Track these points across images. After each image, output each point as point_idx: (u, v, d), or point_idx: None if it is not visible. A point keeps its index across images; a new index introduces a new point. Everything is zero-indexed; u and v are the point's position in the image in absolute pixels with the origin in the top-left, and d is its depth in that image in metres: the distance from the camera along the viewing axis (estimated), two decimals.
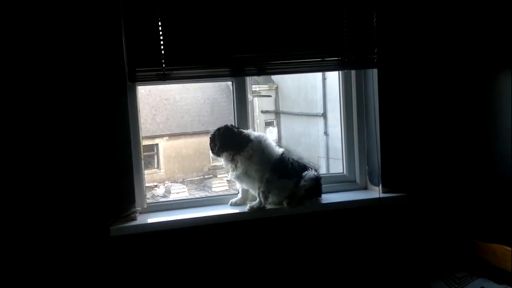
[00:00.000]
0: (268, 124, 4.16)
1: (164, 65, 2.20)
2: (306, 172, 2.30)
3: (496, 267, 2.23)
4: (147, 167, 3.36)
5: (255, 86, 3.70)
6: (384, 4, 2.37)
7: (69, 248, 2.11)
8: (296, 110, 4.18)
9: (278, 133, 4.13)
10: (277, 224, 2.32)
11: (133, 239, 2.14)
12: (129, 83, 2.18)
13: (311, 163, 2.93)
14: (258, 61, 2.31)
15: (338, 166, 2.74)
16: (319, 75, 3.64)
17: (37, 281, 2.09)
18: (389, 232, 2.47)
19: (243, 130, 2.28)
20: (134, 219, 2.18)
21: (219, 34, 2.24)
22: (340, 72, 2.57)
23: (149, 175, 3.61)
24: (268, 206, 2.28)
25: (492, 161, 2.45)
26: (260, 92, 3.98)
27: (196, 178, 3.83)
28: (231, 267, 2.30)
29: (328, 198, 2.39)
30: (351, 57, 2.39)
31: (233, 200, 2.37)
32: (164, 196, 3.45)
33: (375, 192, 2.44)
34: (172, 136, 3.84)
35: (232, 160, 2.25)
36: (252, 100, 2.54)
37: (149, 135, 3.66)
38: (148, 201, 2.34)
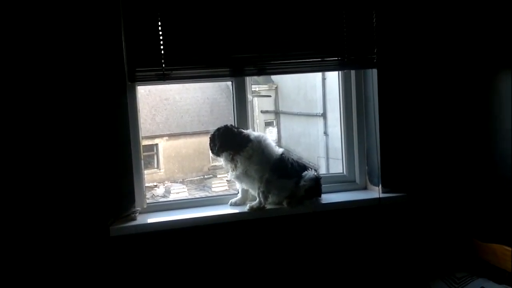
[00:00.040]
0: (267, 124, 4.16)
1: (163, 65, 2.19)
2: (306, 172, 2.30)
3: (496, 267, 2.23)
4: (147, 167, 3.36)
5: (255, 86, 3.71)
6: (384, 4, 2.37)
7: (69, 248, 2.11)
8: (295, 110, 4.18)
9: (278, 133, 4.13)
10: (277, 224, 2.32)
11: (133, 239, 2.14)
12: (129, 83, 2.18)
13: (311, 163, 2.93)
14: (258, 61, 2.31)
15: (337, 166, 2.74)
16: (318, 75, 3.65)
17: (37, 281, 2.09)
18: (389, 232, 2.47)
19: (243, 130, 2.28)
20: (134, 219, 2.18)
21: (219, 34, 2.24)
22: (340, 72, 2.56)
23: (149, 175, 3.61)
24: (268, 206, 2.28)
25: (492, 161, 2.45)
26: (260, 92, 3.99)
27: (196, 178, 3.83)
28: (231, 267, 2.30)
29: (328, 198, 2.39)
30: (350, 57, 2.39)
31: (233, 200, 2.36)
32: (164, 196, 3.46)
33: (375, 192, 2.44)
34: (172, 136, 3.85)
35: (232, 160, 2.25)
36: (252, 100, 2.54)
37: (149, 135, 3.67)
38: (148, 201, 2.34)
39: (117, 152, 2.15)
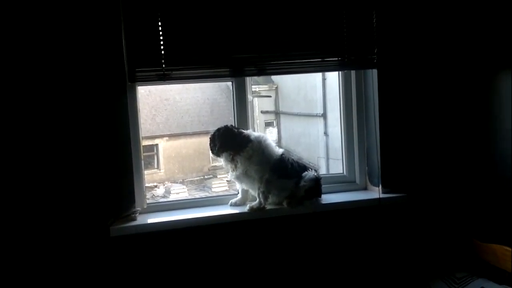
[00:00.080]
0: (268, 124, 4.16)
1: (164, 65, 2.20)
2: (306, 172, 2.30)
3: (496, 267, 2.23)
4: (147, 168, 3.36)
5: (255, 86, 3.70)
6: (384, 4, 2.37)
7: (69, 248, 2.11)
8: (296, 111, 4.18)
9: (278, 133, 4.13)
10: (277, 224, 2.32)
11: (133, 239, 2.14)
12: (129, 83, 2.19)
13: (311, 164, 2.94)
14: (258, 61, 2.31)
15: (338, 167, 2.74)
16: (319, 75, 3.64)
17: (37, 281, 2.09)
18: (389, 232, 2.47)
19: (243, 131, 2.28)
20: (134, 219, 2.18)
21: (219, 34, 2.24)
22: (340, 72, 2.57)
23: (149, 176, 3.61)
24: (268, 207, 2.28)
25: (492, 161, 2.45)
26: (260, 93, 3.98)
27: (196, 178, 3.83)
28: (231, 268, 2.30)
29: (328, 198, 2.39)
30: (351, 57, 2.39)
31: (233, 200, 2.37)
32: (164, 197, 3.45)
33: (375, 193, 2.44)
34: (172, 136, 3.85)
35: (232, 160, 2.25)
36: (252, 100, 2.54)
37: (149, 135, 3.66)
38: (148, 201, 2.34)
39: (117, 152, 2.15)
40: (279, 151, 2.30)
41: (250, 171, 2.23)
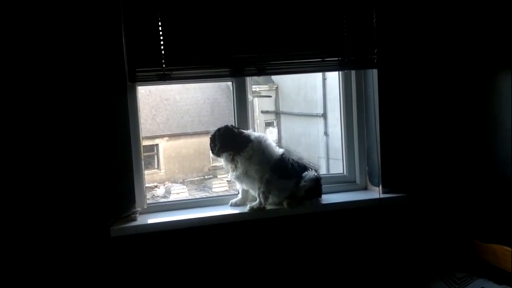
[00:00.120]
0: (268, 124, 4.16)
1: (164, 65, 2.20)
2: (306, 172, 2.30)
3: (496, 268, 2.23)
4: (147, 168, 3.36)
5: (255, 86, 3.70)
6: (384, 4, 2.37)
7: (69, 248, 2.11)
8: (296, 111, 4.18)
9: (278, 133, 4.13)
10: (277, 224, 2.32)
11: (133, 239, 2.14)
12: (129, 83, 2.19)
13: (311, 164, 2.94)
14: (258, 61, 2.31)
15: (338, 167, 2.74)
16: (319, 75, 3.64)
17: (38, 282, 2.09)
18: (389, 232, 2.47)
19: (243, 131, 2.28)
20: (134, 219, 2.18)
21: (219, 34, 2.24)
22: (340, 72, 2.57)
23: (149, 176, 3.61)
24: (268, 207, 2.28)
25: (492, 161, 2.45)
26: (260, 93, 3.98)
27: (196, 178, 3.83)
28: (231, 268, 2.30)
29: (328, 198, 2.39)
30: (351, 57, 2.39)
31: (233, 200, 2.37)
32: (164, 197, 3.46)
33: (375, 193, 2.44)
34: (172, 136, 3.85)
35: (232, 160, 2.25)
36: (252, 100, 2.54)
37: (149, 135, 3.67)
38: (148, 201, 2.34)
39: (118, 152, 2.15)
40: (279, 151, 2.30)
41: (250, 171, 2.23)
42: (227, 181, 3.40)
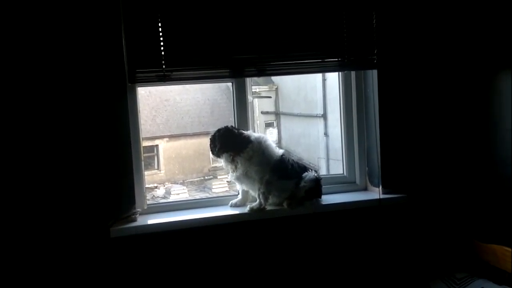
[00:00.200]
0: (268, 125, 4.16)
1: (164, 66, 2.20)
2: (306, 173, 2.30)
3: (496, 268, 2.23)
4: (147, 168, 3.36)
5: (255, 87, 3.71)
6: (384, 5, 2.37)
7: (69, 249, 2.11)
8: (296, 111, 4.18)
9: (278, 134, 4.13)
10: (277, 225, 2.32)
11: (133, 240, 2.14)
12: (129, 84, 2.19)
13: (311, 164, 2.94)
14: (258, 62, 2.31)
15: (338, 167, 2.74)
16: (319, 76, 3.65)
17: (38, 282, 2.09)
18: (389, 233, 2.47)
19: (243, 131, 2.28)
20: (134, 220, 2.18)
21: (219, 35, 2.24)
22: (340, 73, 2.57)
23: (149, 176, 3.61)
24: (268, 207, 2.28)
25: (492, 161, 2.45)
26: (260, 93, 3.99)
27: (196, 179, 3.83)
28: (231, 268, 2.30)
29: (328, 199, 2.39)
30: (351, 58, 2.40)
31: (233, 201, 2.37)
32: (164, 197, 3.45)
33: (375, 193, 2.44)
34: (172, 137, 3.84)
35: (232, 161, 2.25)
36: (252, 101, 2.54)
37: (149, 136, 3.66)
38: (148, 202, 2.34)
39: (118, 153, 2.15)
40: (279, 151, 2.30)
41: (250, 172, 2.23)
42: (227, 181, 3.40)
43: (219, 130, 2.26)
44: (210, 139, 2.29)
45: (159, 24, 2.18)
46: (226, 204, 2.37)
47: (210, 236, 2.25)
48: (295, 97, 4.17)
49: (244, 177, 2.25)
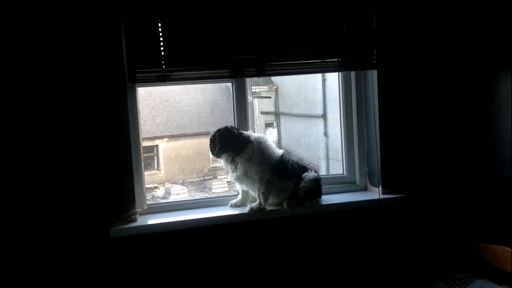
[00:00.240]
0: (268, 125, 4.16)
1: (164, 66, 2.20)
2: (306, 173, 2.30)
3: (496, 268, 2.23)
4: (147, 169, 3.36)
5: (255, 87, 3.71)
6: (384, 5, 2.37)
7: (69, 249, 2.11)
8: (296, 111, 4.19)
9: (278, 134, 4.13)
10: (277, 225, 2.32)
11: (133, 240, 2.14)
12: (129, 84, 2.19)
13: (311, 164, 2.94)
14: (258, 62, 2.31)
15: (338, 167, 2.74)
16: (319, 76, 3.65)
17: (38, 282, 2.09)
18: (389, 233, 2.47)
19: (243, 131, 2.28)
20: (134, 220, 2.18)
21: (219, 35, 2.24)
22: (340, 73, 2.57)
23: (149, 177, 3.61)
24: (268, 207, 2.28)
25: (492, 161, 2.45)
26: (260, 93, 3.99)
27: (196, 179, 3.83)
28: (231, 269, 2.30)
29: (328, 199, 2.39)
30: (351, 58, 2.40)
31: (233, 201, 2.37)
32: (164, 198, 3.45)
33: (375, 193, 2.44)
34: (172, 137, 3.84)
35: (232, 161, 2.25)
36: (252, 101, 2.54)
37: (149, 136, 3.66)
38: (148, 202, 2.34)
39: (118, 153, 2.15)
40: (279, 152, 2.30)
41: (250, 172, 2.23)
42: (227, 182, 3.40)
43: (219, 130, 2.26)
44: (210, 139, 2.29)
45: (159, 24, 2.18)
46: (226, 204, 2.37)
47: (210, 236, 2.25)
48: (295, 97, 4.18)
49: (244, 177, 2.25)
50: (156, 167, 3.78)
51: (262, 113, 4.08)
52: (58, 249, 2.10)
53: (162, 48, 2.19)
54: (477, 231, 2.46)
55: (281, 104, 4.13)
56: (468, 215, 2.54)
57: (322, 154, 3.77)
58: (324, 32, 2.35)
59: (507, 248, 2.17)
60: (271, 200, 2.28)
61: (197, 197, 3.30)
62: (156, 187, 3.60)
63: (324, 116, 3.80)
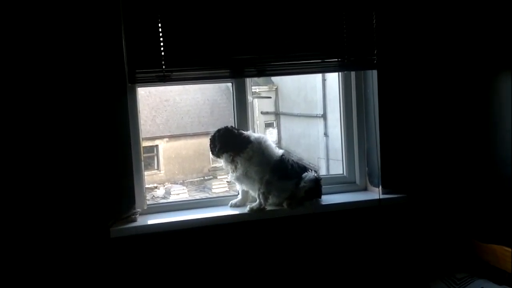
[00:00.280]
0: (268, 125, 4.16)
1: (164, 67, 2.20)
2: (306, 173, 2.30)
3: (496, 268, 2.23)
4: (147, 169, 3.36)
5: (255, 87, 3.70)
6: (384, 5, 2.37)
7: (69, 249, 2.11)
8: (296, 111, 4.18)
9: (278, 134, 4.13)
10: (277, 225, 2.32)
11: (133, 240, 2.14)
12: (129, 84, 2.19)
13: (311, 164, 2.93)
14: (258, 62, 2.31)
15: (338, 167, 2.74)
16: (319, 76, 3.65)
17: (38, 282, 2.09)
18: (389, 233, 2.47)
19: (243, 132, 2.28)
20: (134, 220, 2.18)
21: (219, 35, 2.24)
22: (340, 73, 2.57)
23: (149, 177, 3.61)
24: (268, 207, 2.28)
25: (492, 161, 2.45)
26: (260, 93, 3.99)
27: (196, 179, 3.83)
28: (231, 269, 2.30)
29: (328, 199, 2.39)
30: (351, 58, 2.40)
31: (233, 201, 2.37)
32: (164, 198, 3.45)
33: (375, 193, 2.44)
34: (172, 137, 3.84)
35: (232, 161, 2.25)
36: (252, 101, 2.54)
37: (149, 136, 3.66)
38: (148, 202, 2.34)
39: (118, 153, 2.15)
40: (279, 152, 2.30)
41: (250, 172, 2.23)
42: (227, 182, 3.40)
43: (219, 130, 2.26)
44: (210, 139, 2.29)
45: (159, 25, 2.18)
46: (226, 204, 2.37)
47: (210, 236, 2.26)
48: (295, 97, 4.17)
49: (244, 177, 2.25)
50: (156, 167, 3.78)
51: (262, 113, 4.07)
52: (58, 249, 2.10)
53: (162, 48, 2.19)
54: (477, 231, 2.46)
55: (281, 104, 4.13)
56: (468, 215, 2.54)
57: (322, 154, 3.77)
58: (324, 32, 2.36)
59: (507, 248, 2.17)
60: (271, 200, 2.28)
61: (197, 197, 3.30)
62: (156, 187, 3.59)
63: (324, 116, 3.79)
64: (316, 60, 2.40)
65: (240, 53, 2.28)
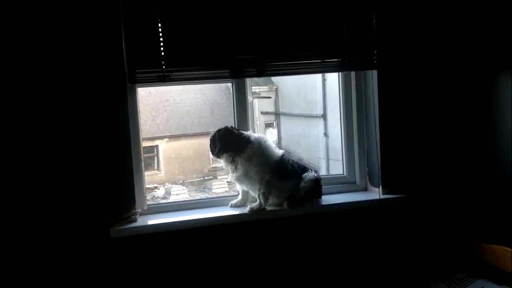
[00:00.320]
0: (268, 125, 4.16)
1: (164, 67, 2.20)
2: (306, 173, 2.30)
3: (496, 268, 2.23)
4: (147, 169, 3.36)
5: (255, 87, 3.71)
6: (384, 5, 2.37)
7: (69, 249, 2.11)
8: (296, 111, 4.18)
9: (278, 134, 4.13)
10: (277, 225, 2.32)
11: (133, 240, 2.14)
12: (129, 84, 2.19)
13: (311, 164, 2.93)
14: (258, 63, 2.31)
15: (338, 167, 2.74)
16: (319, 76, 3.65)
17: (38, 283, 2.09)
18: (389, 233, 2.47)
19: (243, 132, 2.28)
20: (134, 220, 2.18)
21: (219, 35, 2.24)
22: (340, 73, 2.57)
23: (149, 177, 3.61)
24: (268, 208, 2.28)
25: (492, 161, 2.45)
26: (260, 94, 3.99)
27: (196, 179, 3.83)
28: (231, 269, 2.30)
29: (328, 199, 2.39)
30: (351, 58, 2.40)
31: (233, 201, 2.37)
32: (164, 198, 3.45)
33: (375, 193, 2.44)
34: (172, 137, 3.84)
35: (232, 161, 2.25)
36: (252, 101, 2.54)
37: (149, 136, 3.66)
38: (148, 202, 2.34)
39: (118, 153, 2.15)
40: (279, 152, 2.30)
41: (250, 172, 2.23)
42: (227, 182, 3.40)
43: (219, 131, 2.26)
44: (210, 139, 2.29)
45: (159, 25, 2.18)
46: (226, 205, 2.37)
47: (210, 237, 2.25)
48: (295, 97, 4.18)
49: (244, 177, 2.25)
50: (156, 167, 3.78)
51: (262, 113, 4.07)
52: (58, 249, 2.10)
53: (162, 49, 2.19)
54: (477, 231, 2.46)
55: (281, 104, 4.13)
56: (468, 215, 2.54)
57: (322, 154, 3.77)
58: (324, 32, 2.36)
59: (507, 248, 2.17)
60: (271, 200, 2.28)
61: (197, 197, 3.31)
62: (156, 187, 3.59)
63: (324, 116, 3.79)
64: (316, 60, 2.40)
65: (240, 53, 2.28)
